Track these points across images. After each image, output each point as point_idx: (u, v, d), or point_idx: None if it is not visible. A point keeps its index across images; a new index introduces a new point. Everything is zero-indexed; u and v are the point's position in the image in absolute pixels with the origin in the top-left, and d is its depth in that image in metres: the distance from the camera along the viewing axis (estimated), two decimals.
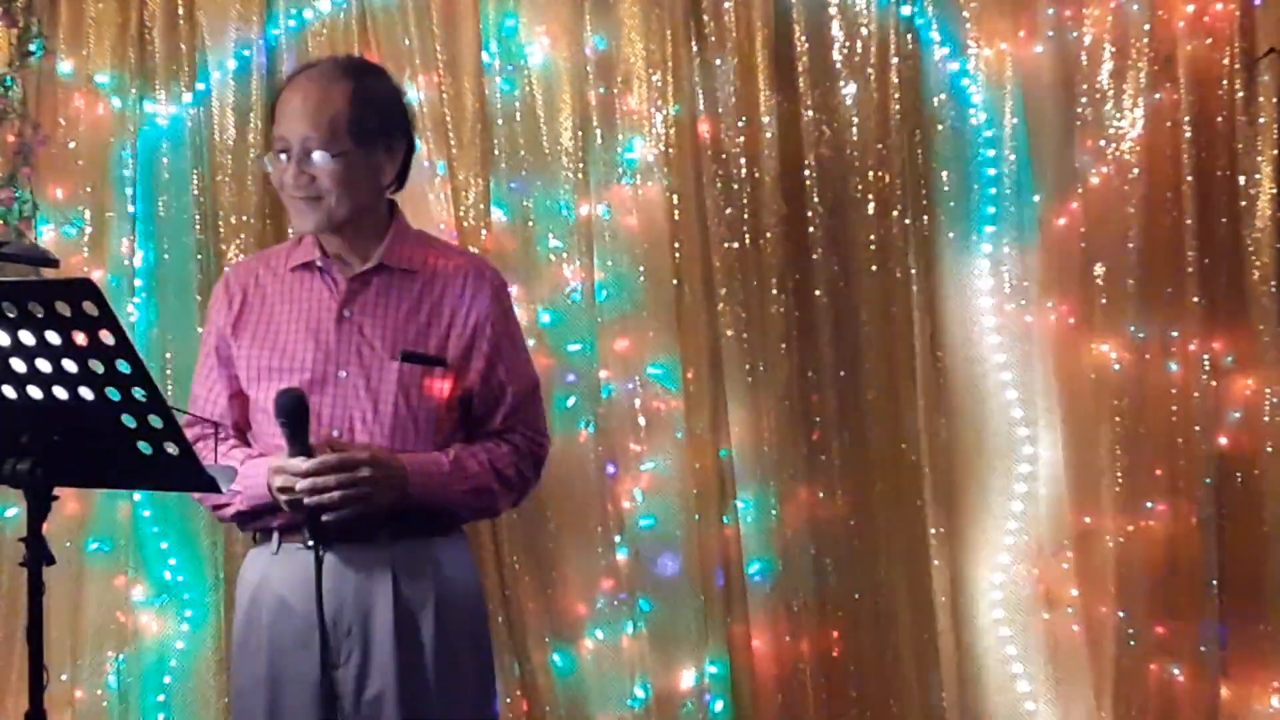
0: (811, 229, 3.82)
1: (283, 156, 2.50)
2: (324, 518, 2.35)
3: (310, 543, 2.35)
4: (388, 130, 2.55)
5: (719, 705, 3.78)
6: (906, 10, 3.81)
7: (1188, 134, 3.69)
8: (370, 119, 2.50)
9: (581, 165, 3.84)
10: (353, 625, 2.44)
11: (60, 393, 1.95)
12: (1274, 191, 3.66)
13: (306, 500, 2.33)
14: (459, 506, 2.55)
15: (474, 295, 2.56)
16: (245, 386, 2.55)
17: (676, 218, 3.81)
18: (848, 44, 3.83)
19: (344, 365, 2.48)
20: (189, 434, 2.38)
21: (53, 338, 1.90)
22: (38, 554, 2.00)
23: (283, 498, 2.38)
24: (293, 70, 2.74)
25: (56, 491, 2.03)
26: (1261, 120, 3.67)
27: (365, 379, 2.47)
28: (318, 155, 2.46)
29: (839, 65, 3.83)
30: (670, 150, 3.82)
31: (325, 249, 2.55)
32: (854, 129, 3.82)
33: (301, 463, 2.33)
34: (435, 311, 2.53)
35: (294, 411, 2.33)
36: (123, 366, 1.92)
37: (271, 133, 2.58)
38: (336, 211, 2.49)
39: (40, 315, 1.88)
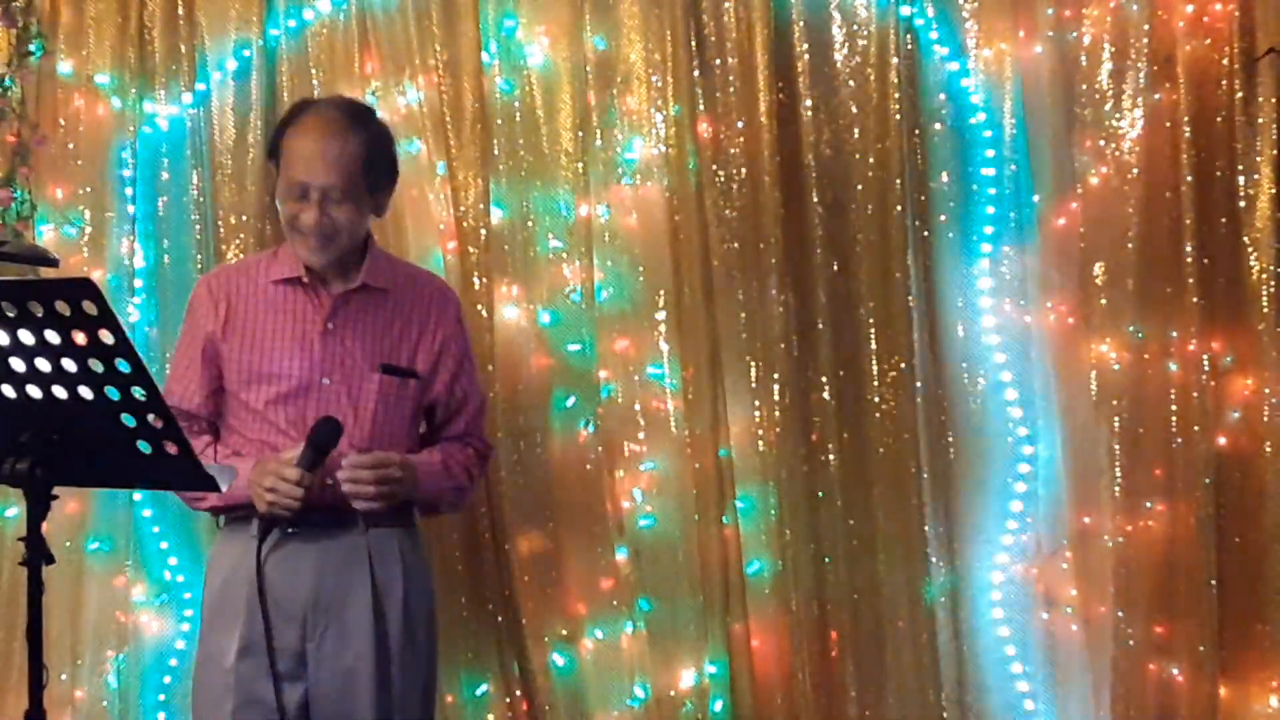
0: (811, 229, 3.82)
1: (301, 198, 2.70)
2: (357, 506, 2.67)
3: (291, 529, 2.66)
4: (391, 174, 2.83)
5: (718, 705, 3.78)
6: (906, 11, 3.81)
7: (1187, 134, 3.68)
8: (381, 166, 2.78)
9: (581, 165, 3.83)
10: (331, 604, 2.72)
11: (60, 392, 1.95)
12: (1273, 191, 3.66)
13: (345, 489, 2.65)
14: (441, 503, 2.92)
15: (440, 313, 2.89)
16: (234, 387, 2.78)
17: (676, 218, 3.81)
18: (848, 44, 3.83)
19: (328, 374, 2.74)
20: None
21: (52, 337, 1.90)
22: (38, 553, 2.01)
23: (269, 496, 2.59)
24: (296, 109, 2.88)
25: (56, 491, 2.04)
26: (1260, 120, 3.67)
27: (347, 387, 2.75)
28: (339, 205, 2.69)
29: (839, 65, 3.83)
30: (670, 150, 3.82)
31: (311, 267, 2.78)
32: (854, 129, 3.82)
33: (298, 472, 2.59)
34: (406, 327, 2.84)
35: (327, 439, 2.61)
36: (122, 366, 1.93)
37: (280, 166, 2.77)
38: (346, 248, 2.76)
39: (40, 315, 1.88)
